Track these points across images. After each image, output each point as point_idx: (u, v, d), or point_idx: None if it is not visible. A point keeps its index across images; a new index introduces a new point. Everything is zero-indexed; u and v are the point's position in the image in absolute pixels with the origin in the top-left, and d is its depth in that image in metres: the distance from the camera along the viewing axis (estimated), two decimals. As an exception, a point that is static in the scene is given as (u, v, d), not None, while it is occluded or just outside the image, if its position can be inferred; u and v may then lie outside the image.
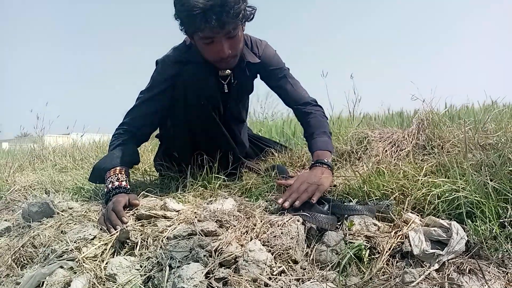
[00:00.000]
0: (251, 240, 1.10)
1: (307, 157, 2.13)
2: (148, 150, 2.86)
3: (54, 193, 2.01)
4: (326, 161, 1.57)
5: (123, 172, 1.54)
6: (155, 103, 1.69)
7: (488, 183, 1.10)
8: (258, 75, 1.90)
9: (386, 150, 1.87)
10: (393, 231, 1.11)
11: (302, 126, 1.87)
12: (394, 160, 1.79)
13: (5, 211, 1.70)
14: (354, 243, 1.07)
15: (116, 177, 1.51)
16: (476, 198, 1.08)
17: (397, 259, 1.05)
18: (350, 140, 2.05)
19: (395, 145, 1.88)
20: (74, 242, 1.23)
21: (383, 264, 1.03)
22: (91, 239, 1.26)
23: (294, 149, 2.31)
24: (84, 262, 1.13)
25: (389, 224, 1.19)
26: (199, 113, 1.70)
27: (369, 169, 1.50)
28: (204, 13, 1.41)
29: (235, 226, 1.23)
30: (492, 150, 1.33)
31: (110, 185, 1.48)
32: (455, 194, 1.12)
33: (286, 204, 1.30)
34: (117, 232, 1.24)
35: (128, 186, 1.53)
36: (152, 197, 1.67)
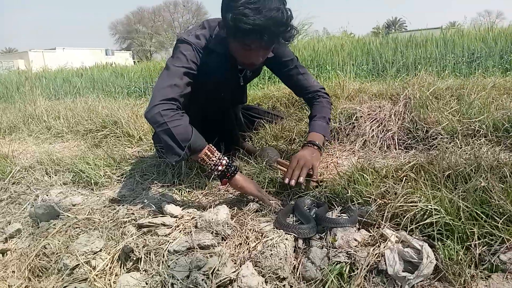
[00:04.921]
0: (244, 263, 1.22)
1: (296, 130, 2.19)
2: (141, 115, 2.88)
3: (54, 174, 2.10)
4: (317, 143, 1.73)
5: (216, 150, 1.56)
6: (190, 83, 1.62)
7: (460, 205, 1.19)
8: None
9: (373, 130, 1.93)
10: (371, 248, 1.22)
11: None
12: (380, 141, 1.86)
13: (12, 205, 1.80)
14: (336, 262, 1.20)
15: (219, 154, 1.54)
16: (446, 220, 1.18)
17: (374, 275, 1.19)
18: (339, 117, 2.10)
19: (381, 124, 1.94)
20: (83, 255, 1.36)
21: (361, 280, 1.17)
22: (98, 251, 1.38)
23: (285, 119, 2.35)
24: (95, 281, 1.27)
25: (369, 234, 1.31)
26: (218, 103, 1.81)
27: (353, 165, 1.57)
28: (260, 32, 1.45)
29: (229, 235, 1.36)
30: (469, 159, 1.40)
31: (224, 161, 1.52)
32: (428, 213, 1.22)
33: (292, 182, 1.56)
34: None
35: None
36: (150, 188, 1.77)
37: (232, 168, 1.53)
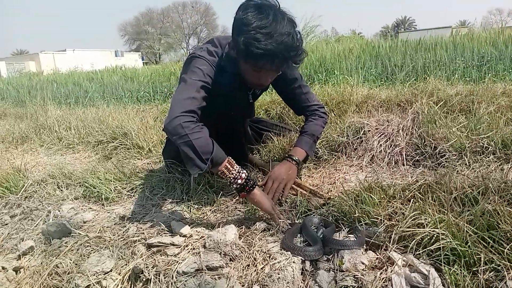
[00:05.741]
0: (251, 286, 1.24)
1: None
2: (151, 126, 2.92)
3: (66, 188, 2.14)
4: (296, 158, 1.80)
5: (235, 163, 1.57)
6: (206, 98, 1.62)
7: (467, 231, 1.19)
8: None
9: (381, 145, 1.93)
10: (379, 272, 1.23)
11: None
12: (388, 156, 1.86)
13: (24, 222, 1.83)
14: (343, 286, 1.21)
15: (238, 167, 1.54)
16: (453, 246, 1.18)
17: (381, 299, 1.19)
18: (346, 131, 2.10)
19: (389, 139, 1.94)
20: (94, 275, 1.39)
21: (368, 304, 1.18)
22: (109, 271, 1.41)
23: (293, 131, 2.35)
24: (106, 302, 1.29)
25: (376, 256, 1.32)
26: (227, 119, 1.84)
27: (360, 183, 1.58)
28: (271, 56, 1.48)
29: (237, 256, 1.37)
30: (476, 179, 1.40)
31: (243, 174, 1.53)
32: (435, 237, 1.22)
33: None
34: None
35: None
36: (160, 204, 1.80)
37: (251, 182, 1.54)
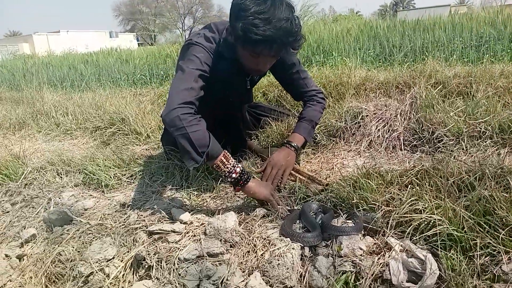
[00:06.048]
0: (252, 272, 1.26)
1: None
2: (148, 112, 2.91)
3: (66, 175, 2.15)
4: (295, 144, 1.81)
5: (231, 157, 1.58)
6: (203, 86, 1.62)
7: (463, 216, 1.21)
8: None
9: (379, 130, 1.94)
10: (376, 257, 1.26)
11: None
12: (386, 141, 1.87)
13: (26, 209, 1.85)
14: (341, 271, 1.23)
15: (233, 161, 1.56)
16: (450, 231, 1.20)
17: (379, 284, 1.22)
18: (345, 116, 2.10)
19: (387, 124, 1.94)
20: (96, 263, 1.41)
21: (366, 289, 1.21)
22: (111, 259, 1.43)
23: (291, 116, 2.35)
24: (109, 289, 1.32)
25: (374, 241, 1.34)
26: (226, 106, 1.85)
27: (358, 169, 1.59)
28: (270, 42, 1.47)
29: (237, 243, 1.40)
30: (474, 165, 1.41)
31: (238, 169, 1.54)
32: (432, 223, 1.24)
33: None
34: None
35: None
36: (159, 191, 1.81)
37: (245, 176, 1.56)
